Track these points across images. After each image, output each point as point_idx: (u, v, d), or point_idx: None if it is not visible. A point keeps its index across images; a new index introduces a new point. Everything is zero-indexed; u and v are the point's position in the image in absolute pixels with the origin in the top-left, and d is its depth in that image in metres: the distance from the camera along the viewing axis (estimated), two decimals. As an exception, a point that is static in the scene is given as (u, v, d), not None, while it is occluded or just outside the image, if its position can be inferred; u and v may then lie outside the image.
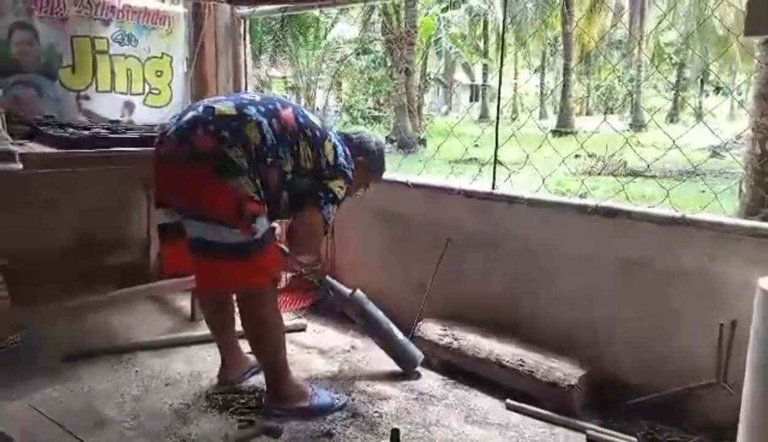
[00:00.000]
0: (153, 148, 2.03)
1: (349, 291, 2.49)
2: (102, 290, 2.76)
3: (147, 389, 2.28)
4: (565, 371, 2.17)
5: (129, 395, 2.23)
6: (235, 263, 1.91)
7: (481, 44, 23.96)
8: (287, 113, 2.03)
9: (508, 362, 2.28)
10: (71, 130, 2.54)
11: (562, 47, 20.01)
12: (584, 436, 2.04)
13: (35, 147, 2.34)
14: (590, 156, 10.72)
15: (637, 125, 18.65)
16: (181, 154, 1.88)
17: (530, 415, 2.16)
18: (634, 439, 1.98)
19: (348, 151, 2.17)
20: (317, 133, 2.08)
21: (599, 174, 9.80)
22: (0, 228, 2.65)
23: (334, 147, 2.11)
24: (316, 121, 2.14)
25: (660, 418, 2.08)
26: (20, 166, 2.10)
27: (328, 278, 2.52)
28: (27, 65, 2.71)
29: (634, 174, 7.80)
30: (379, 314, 2.50)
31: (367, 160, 2.29)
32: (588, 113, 27.77)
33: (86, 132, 2.55)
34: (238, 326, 2.29)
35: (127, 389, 2.27)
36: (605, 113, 23.52)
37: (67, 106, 2.85)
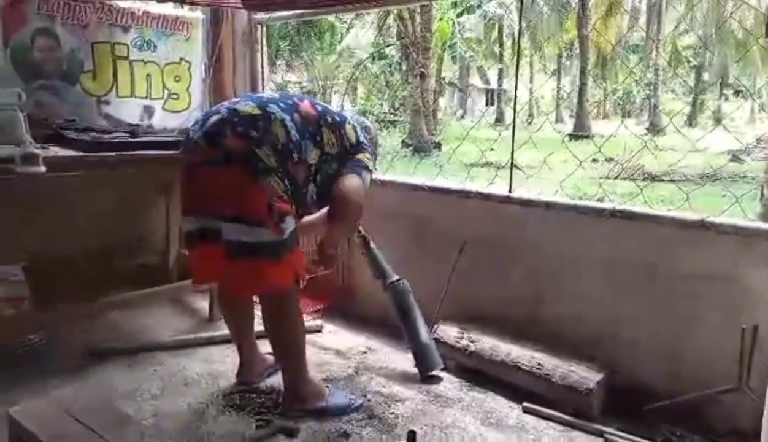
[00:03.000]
0: (173, 152, 2.06)
1: (396, 276, 2.51)
2: (122, 291, 2.80)
3: (166, 389, 2.31)
4: (583, 375, 2.15)
5: (148, 394, 2.26)
6: (265, 262, 1.92)
7: (497, 49, 23.90)
8: (305, 105, 2.07)
9: (525, 365, 2.26)
10: (92, 134, 2.59)
11: (578, 51, 19.90)
12: (602, 440, 2.02)
13: (57, 151, 2.38)
14: (608, 160, 10.64)
15: (655, 129, 18.47)
16: (212, 159, 1.89)
17: (547, 418, 2.15)
18: (654, 443, 1.96)
19: (365, 133, 2.22)
20: (336, 117, 2.13)
21: (617, 178, 9.71)
22: (23, 230, 2.71)
23: (354, 129, 2.16)
24: (332, 108, 2.19)
25: (680, 423, 2.06)
26: (43, 169, 2.14)
27: (373, 246, 2.52)
28: (49, 71, 2.76)
29: (653, 178, 7.73)
30: (415, 307, 2.52)
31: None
32: (605, 117, 27.53)
33: (107, 136, 2.60)
34: (257, 327, 2.31)
35: (147, 388, 2.30)
36: (622, 117, 23.32)
37: (87, 110, 2.89)
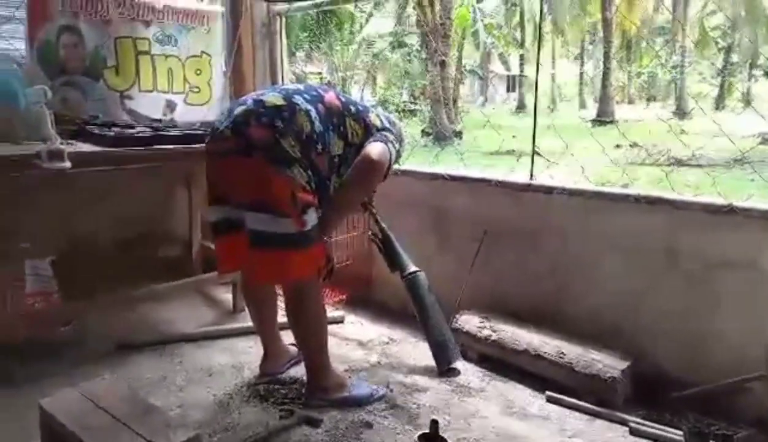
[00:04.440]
0: (195, 146, 2.08)
1: (413, 267, 2.49)
2: (147, 284, 2.85)
3: (191, 379, 2.35)
4: (607, 363, 2.13)
5: (174, 384, 2.30)
6: (288, 253, 1.93)
7: (518, 34, 23.57)
8: (330, 96, 2.07)
9: (547, 354, 2.25)
10: (116, 129, 2.62)
11: (601, 34, 19.52)
12: (627, 429, 2.00)
13: (82, 146, 2.42)
14: (632, 146, 10.44)
15: (681, 113, 18.06)
16: (237, 148, 1.91)
17: (570, 407, 2.13)
18: (680, 432, 1.93)
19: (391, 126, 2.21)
20: (360, 107, 2.14)
21: (641, 164, 9.53)
22: (50, 225, 2.77)
23: (378, 116, 2.16)
24: (356, 99, 2.21)
25: (707, 411, 2.03)
26: (69, 164, 2.17)
27: (392, 238, 2.49)
28: (73, 67, 2.79)
29: (679, 163, 7.56)
30: (433, 300, 2.49)
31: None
32: (630, 101, 26.99)
33: (129, 131, 2.63)
34: (280, 318, 2.33)
35: (172, 379, 2.34)
36: (647, 101, 22.85)
37: (111, 106, 2.92)
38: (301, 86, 2.12)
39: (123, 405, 1.56)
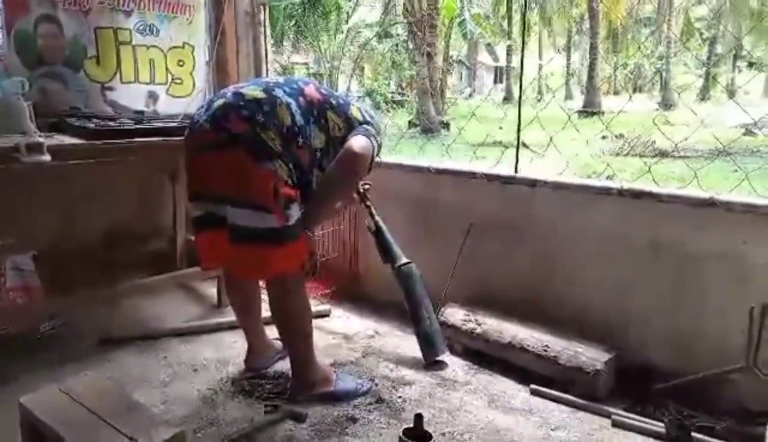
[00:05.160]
0: (178, 138, 2.05)
1: (405, 259, 2.50)
2: (131, 278, 2.82)
3: (175, 375, 2.33)
4: (590, 356, 2.15)
5: (158, 380, 2.28)
6: (270, 248, 1.91)
7: (505, 24, 23.57)
8: (310, 89, 2.05)
9: (531, 346, 2.26)
10: (96, 121, 2.58)
11: (588, 25, 19.57)
12: (609, 421, 2.02)
13: (62, 138, 2.38)
14: (617, 137, 10.51)
15: (667, 104, 18.19)
16: (217, 141, 1.88)
17: (554, 400, 2.15)
18: (661, 424, 1.95)
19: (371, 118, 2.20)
20: (341, 100, 2.12)
21: (626, 155, 9.60)
22: (31, 219, 2.72)
23: (359, 110, 2.14)
24: (337, 92, 2.19)
25: (688, 403, 2.05)
26: (49, 158, 2.14)
27: (385, 230, 2.49)
28: (52, 57, 2.75)
29: (663, 154, 7.62)
30: (423, 292, 2.50)
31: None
32: (616, 93, 27.17)
33: (112, 123, 2.59)
34: (264, 312, 2.32)
35: (156, 375, 2.32)
36: (633, 92, 23.00)
37: (92, 97, 2.88)
38: (281, 79, 2.09)
39: (106, 402, 1.54)
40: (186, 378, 2.30)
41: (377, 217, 2.49)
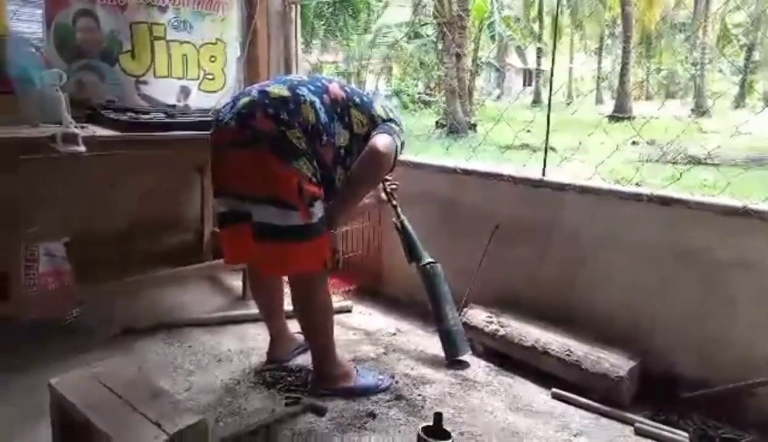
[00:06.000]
0: (207, 133, 2.08)
1: (429, 258, 2.50)
2: (158, 269, 2.88)
3: (199, 364, 2.37)
4: (614, 362, 2.12)
5: (182, 369, 2.33)
6: (293, 245, 1.93)
7: (536, 27, 23.34)
8: (334, 87, 2.07)
9: (554, 350, 2.24)
10: (130, 114, 2.64)
11: (621, 29, 19.26)
12: (632, 428, 1.99)
13: (97, 130, 2.44)
14: (649, 143, 10.31)
15: (700, 111, 17.80)
16: (242, 140, 1.90)
17: (576, 405, 2.13)
18: (686, 434, 1.92)
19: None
20: (364, 98, 2.13)
21: (657, 161, 9.42)
22: (64, 207, 2.80)
23: (383, 107, 2.15)
24: (360, 90, 2.20)
25: (714, 414, 2.02)
26: (83, 148, 2.19)
27: (410, 229, 2.50)
28: (90, 51, 2.82)
29: (696, 162, 7.45)
30: (446, 291, 2.50)
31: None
32: (648, 98, 26.67)
33: (145, 116, 2.65)
34: (287, 306, 2.34)
35: (181, 364, 2.37)
36: (666, 98, 22.56)
37: (126, 90, 2.95)
38: (304, 77, 2.12)
39: (132, 387, 1.57)
40: (210, 368, 2.34)
41: (403, 217, 2.50)
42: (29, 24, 2.67)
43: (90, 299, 2.78)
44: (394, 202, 2.48)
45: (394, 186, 2.48)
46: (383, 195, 2.45)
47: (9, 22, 2.52)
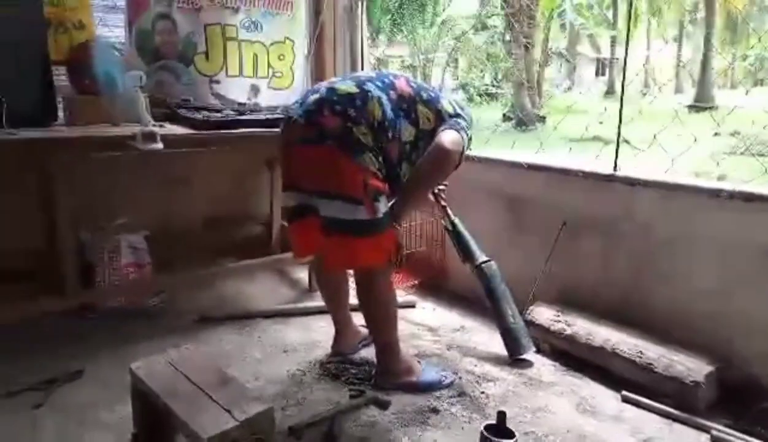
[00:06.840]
0: (277, 129, 2.14)
1: (484, 257, 2.47)
2: (230, 261, 3.00)
3: (267, 354, 2.45)
4: (690, 366, 2.02)
5: (251, 358, 2.41)
6: (358, 240, 1.96)
7: (610, 15, 22.39)
8: (401, 83, 2.07)
9: (625, 352, 2.16)
10: (204, 112, 2.75)
11: (703, 14, 18.17)
12: (708, 436, 1.89)
13: (173, 128, 2.56)
14: (732, 134, 9.70)
15: (792, 99, 16.53)
16: (310, 136, 1.94)
17: (648, 409, 2.04)
18: (768, 446, 1.81)
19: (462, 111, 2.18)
20: (431, 94, 2.12)
21: (742, 154, 8.83)
22: (144, 202, 2.96)
23: (450, 103, 2.13)
24: (428, 85, 2.19)
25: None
26: (161, 146, 2.31)
27: (461, 229, 2.48)
28: (167, 53, 2.97)
29: (785, 154, 6.95)
30: (505, 289, 2.47)
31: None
32: (733, 86, 25.04)
33: (217, 114, 2.75)
34: (352, 300, 2.38)
35: (250, 353, 2.45)
36: (753, 86, 21.11)
37: (200, 90, 3.08)
38: (372, 73, 2.13)
39: (204, 374, 1.65)
40: (277, 358, 2.42)
41: (453, 217, 2.47)
42: (113, 29, 2.84)
43: (167, 289, 2.94)
44: (443, 203, 2.46)
45: (442, 186, 2.45)
46: (431, 196, 2.44)
47: (95, 29, 2.69)
